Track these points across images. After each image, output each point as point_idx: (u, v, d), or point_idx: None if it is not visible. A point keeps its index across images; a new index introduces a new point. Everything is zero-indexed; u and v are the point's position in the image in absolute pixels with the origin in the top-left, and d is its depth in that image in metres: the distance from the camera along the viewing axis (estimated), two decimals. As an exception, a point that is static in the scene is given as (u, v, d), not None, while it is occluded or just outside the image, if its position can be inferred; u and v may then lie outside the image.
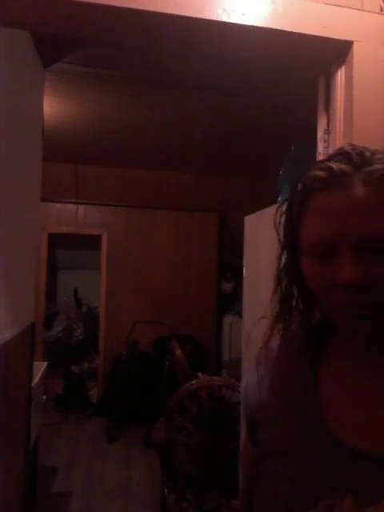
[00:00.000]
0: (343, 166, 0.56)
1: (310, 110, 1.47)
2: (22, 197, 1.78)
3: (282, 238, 0.63)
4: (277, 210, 0.64)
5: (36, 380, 2.25)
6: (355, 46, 1.21)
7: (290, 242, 0.62)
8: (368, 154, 0.57)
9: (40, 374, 2.44)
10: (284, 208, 0.63)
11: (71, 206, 4.64)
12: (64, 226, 4.62)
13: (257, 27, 1.16)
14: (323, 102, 1.36)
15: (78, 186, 4.61)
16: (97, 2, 1.07)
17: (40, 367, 2.54)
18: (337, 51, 1.26)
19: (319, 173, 0.57)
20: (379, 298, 0.53)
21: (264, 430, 0.66)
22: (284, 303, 0.65)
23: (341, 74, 1.28)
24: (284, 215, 0.62)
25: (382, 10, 1.24)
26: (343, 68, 1.27)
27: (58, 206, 4.59)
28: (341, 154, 0.58)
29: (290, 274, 0.64)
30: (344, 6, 1.21)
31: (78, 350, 4.69)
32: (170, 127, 3.43)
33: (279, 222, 0.64)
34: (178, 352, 3.32)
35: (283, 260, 0.64)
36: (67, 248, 5.20)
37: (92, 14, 1.12)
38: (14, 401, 1.75)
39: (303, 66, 1.48)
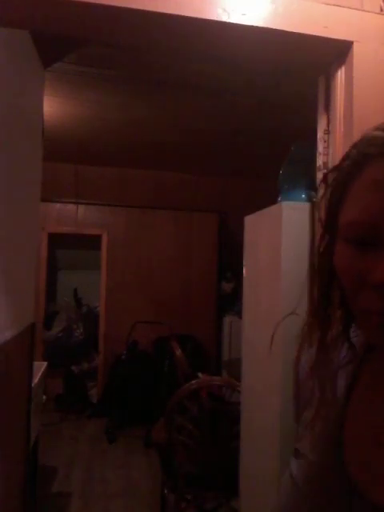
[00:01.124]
0: None
1: (310, 110, 1.47)
2: (22, 197, 1.78)
3: (322, 217, 0.50)
4: (320, 184, 0.54)
5: (36, 380, 2.25)
6: (355, 46, 1.21)
7: (331, 222, 0.48)
8: None
9: (40, 374, 2.44)
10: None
11: (71, 206, 4.64)
12: (64, 226, 4.61)
13: (257, 27, 1.16)
14: (323, 102, 1.36)
15: (78, 186, 4.61)
16: (97, 2, 1.07)
17: (40, 367, 2.54)
18: (337, 51, 1.26)
19: (378, 133, 0.44)
20: None
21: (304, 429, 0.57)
22: (321, 300, 0.51)
23: (341, 74, 1.28)
24: (329, 189, 0.49)
25: (382, 10, 1.24)
26: (343, 68, 1.27)
27: (58, 206, 4.59)
28: None
29: (327, 265, 0.49)
30: (344, 6, 1.21)
31: (78, 350, 4.69)
32: (170, 127, 3.43)
33: (322, 196, 0.51)
34: (178, 352, 3.31)
35: (322, 247, 0.51)
36: (67, 248, 5.19)
37: (92, 14, 1.12)
38: (14, 401, 1.74)
39: (303, 66, 1.48)
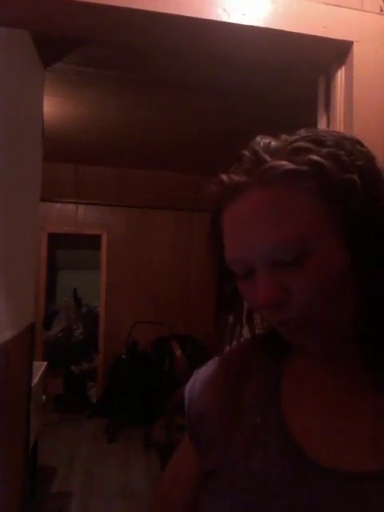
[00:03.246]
0: (234, 177, 0.50)
1: (310, 110, 1.47)
2: (22, 197, 1.78)
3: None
4: None
5: (36, 380, 2.25)
6: (355, 46, 1.21)
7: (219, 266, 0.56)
8: (264, 153, 0.50)
9: (40, 373, 2.44)
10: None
11: (71, 206, 4.64)
12: (64, 226, 4.62)
13: (257, 27, 1.16)
14: (323, 102, 1.36)
15: (78, 186, 4.61)
16: (97, 2, 1.07)
17: (40, 367, 2.54)
18: (337, 51, 1.26)
19: (214, 188, 0.52)
20: (302, 309, 0.47)
21: (209, 445, 0.58)
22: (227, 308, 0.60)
23: (341, 74, 1.28)
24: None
25: (382, 10, 1.24)
26: (343, 68, 1.27)
27: (57, 206, 4.59)
28: (238, 161, 0.52)
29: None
30: (344, 6, 1.21)
31: (78, 350, 4.69)
32: (170, 127, 3.43)
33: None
34: (178, 352, 3.32)
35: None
36: (67, 248, 5.20)
37: (92, 14, 1.12)
38: (14, 401, 1.75)
39: (303, 66, 1.48)
